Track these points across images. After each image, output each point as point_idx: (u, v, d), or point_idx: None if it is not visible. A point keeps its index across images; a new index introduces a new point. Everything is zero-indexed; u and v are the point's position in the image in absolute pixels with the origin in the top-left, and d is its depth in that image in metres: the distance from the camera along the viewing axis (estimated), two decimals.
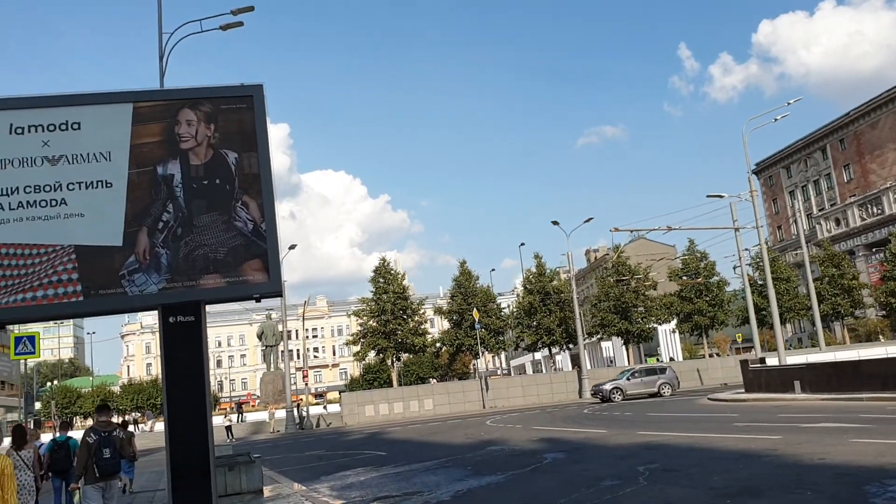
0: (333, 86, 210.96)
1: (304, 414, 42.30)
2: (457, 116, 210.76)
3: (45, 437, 15.94)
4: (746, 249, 49.75)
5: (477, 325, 50.30)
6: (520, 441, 19.15)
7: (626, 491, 9.75)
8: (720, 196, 32.38)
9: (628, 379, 35.50)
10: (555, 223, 44.07)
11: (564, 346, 57.15)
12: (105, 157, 9.59)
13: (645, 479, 10.56)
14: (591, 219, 47.16)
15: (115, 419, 37.47)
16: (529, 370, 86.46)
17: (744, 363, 31.26)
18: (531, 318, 54.26)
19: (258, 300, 10.05)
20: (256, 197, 9.87)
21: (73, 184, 9.43)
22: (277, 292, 9.91)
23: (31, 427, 17.41)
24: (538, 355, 74.69)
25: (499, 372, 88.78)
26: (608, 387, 35.19)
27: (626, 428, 19.93)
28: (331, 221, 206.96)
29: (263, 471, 15.10)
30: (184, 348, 9.39)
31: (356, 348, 56.73)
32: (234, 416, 45.82)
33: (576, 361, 71.55)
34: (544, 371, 77.11)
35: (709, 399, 30.20)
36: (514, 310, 58.39)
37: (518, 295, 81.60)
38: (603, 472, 11.72)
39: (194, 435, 9.20)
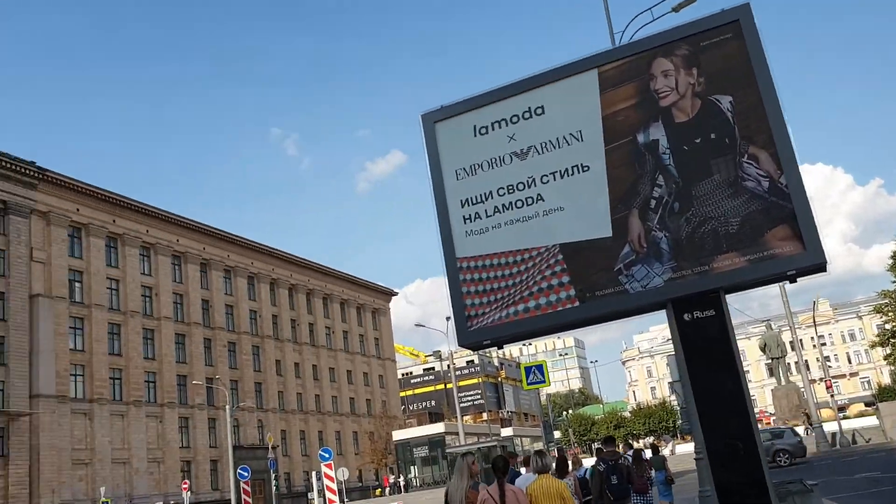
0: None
1: None
2: None
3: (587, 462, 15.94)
4: None
5: None
6: None
7: None
8: None
9: None
10: None
11: None
12: (576, 137, 8.16)
13: None
14: None
15: (635, 444, 37.24)
16: None
17: None
18: None
19: (793, 279, 7.53)
20: (767, 146, 7.47)
21: (546, 175, 8.18)
22: (819, 264, 7.29)
23: (574, 454, 17.41)
24: None
25: None
26: None
27: None
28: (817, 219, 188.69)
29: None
30: (707, 352, 7.32)
31: (886, 350, 48.68)
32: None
33: None
34: None
35: None
36: None
37: None
38: None
39: (738, 461, 7.03)
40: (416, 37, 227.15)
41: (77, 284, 52.91)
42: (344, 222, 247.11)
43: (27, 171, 50.03)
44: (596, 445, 72.18)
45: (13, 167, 49.16)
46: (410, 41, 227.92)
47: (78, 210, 53.46)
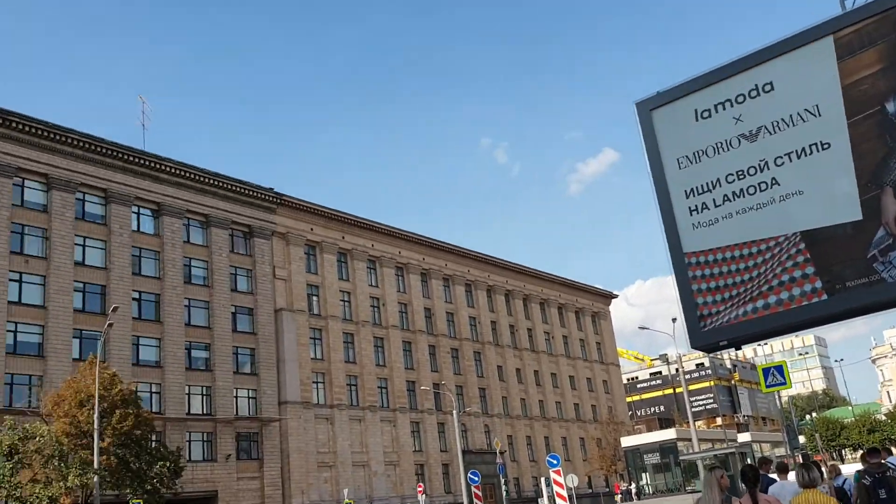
0: None
1: None
2: None
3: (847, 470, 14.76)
4: None
5: None
6: None
7: None
8: None
9: None
10: None
11: None
12: (812, 112, 7.40)
13: None
14: None
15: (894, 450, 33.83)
16: None
17: None
18: None
19: None
20: None
21: (780, 157, 7.49)
22: None
23: (833, 464, 16.13)
24: None
25: None
26: None
27: None
28: None
29: None
30: None
31: None
32: None
33: None
34: None
35: None
36: None
37: None
38: None
39: None
40: (617, 28, 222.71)
41: (314, 298, 57.02)
42: (557, 226, 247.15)
43: (267, 198, 54.81)
44: (847, 453, 66.16)
45: (256, 194, 54.08)
46: (612, 33, 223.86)
47: (312, 229, 57.66)
